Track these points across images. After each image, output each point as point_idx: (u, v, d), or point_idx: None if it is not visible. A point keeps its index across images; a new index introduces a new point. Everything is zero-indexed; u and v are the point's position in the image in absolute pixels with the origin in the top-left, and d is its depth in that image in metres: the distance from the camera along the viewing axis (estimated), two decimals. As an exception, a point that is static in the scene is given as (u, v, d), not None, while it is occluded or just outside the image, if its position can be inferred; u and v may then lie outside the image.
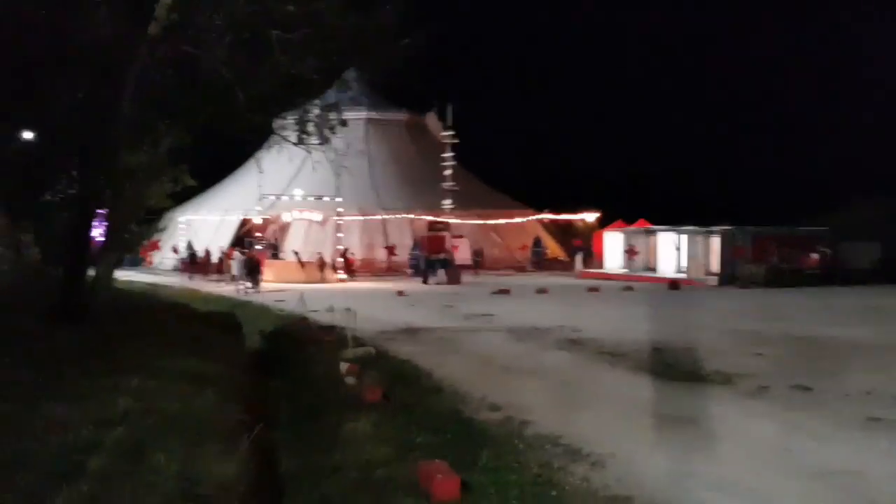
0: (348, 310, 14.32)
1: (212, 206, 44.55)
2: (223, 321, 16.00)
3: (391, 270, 39.84)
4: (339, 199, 36.50)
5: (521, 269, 41.16)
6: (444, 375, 11.19)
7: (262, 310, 21.11)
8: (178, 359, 9.32)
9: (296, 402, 10.18)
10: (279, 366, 13.38)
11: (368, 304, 23.07)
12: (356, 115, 49.31)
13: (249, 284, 28.17)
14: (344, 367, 11.15)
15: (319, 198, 37.02)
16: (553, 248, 44.78)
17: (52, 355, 8.03)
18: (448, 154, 35.70)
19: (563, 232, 44.69)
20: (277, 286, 30.67)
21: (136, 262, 41.22)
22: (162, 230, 37.20)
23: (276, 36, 11.23)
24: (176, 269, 40.07)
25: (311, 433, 8.37)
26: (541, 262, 42.04)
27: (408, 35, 13.54)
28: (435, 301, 24.00)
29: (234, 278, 29.59)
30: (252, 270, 28.73)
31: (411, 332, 16.49)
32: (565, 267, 40.70)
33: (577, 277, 35.63)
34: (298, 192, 37.59)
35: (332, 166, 37.51)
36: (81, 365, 7.78)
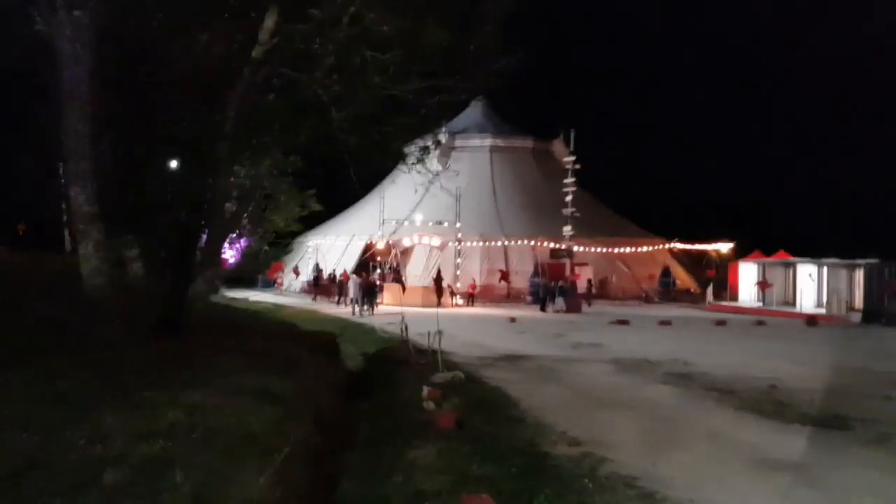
0: (439, 332, 14.02)
1: (340, 231, 45.87)
2: (324, 342, 16.10)
3: (511, 297, 39.37)
4: (458, 225, 36.53)
5: (647, 299, 39.51)
6: (531, 405, 10.63)
7: (370, 332, 21.18)
8: (257, 376, 9.27)
9: (371, 426, 9.92)
10: (369, 388, 13.23)
11: (476, 330, 22.82)
12: (481, 143, 49.73)
13: (366, 307, 28.54)
14: (426, 391, 10.83)
15: (439, 223, 37.23)
16: (683, 278, 42.78)
17: (126, 366, 8.17)
18: (570, 180, 34.91)
19: (695, 262, 42.67)
20: (394, 309, 30.98)
21: (269, 284, 43.06)
22: (287, 253, 38.85)
23: (371, 57, 11.22)
24: (303, 291, 41.54)
25: (374, 459, 8.05)
26: (669, 292, 40.20)
27: (508, 55, 13.20)
28: (546, 329, 23.32)
29: (352, 301, 30.08)
30: (368, 293, 29.11)
31: (512, 359, 15.98)
32: (696, 299, 38.71)
33: (707, 310, 33.73)
34: (418, 218, 38.00)
35: (452, 192, 38.03)
36: (151, 376, 7.85)
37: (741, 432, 9.06)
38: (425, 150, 18.90)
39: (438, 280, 34.92)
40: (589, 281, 37.80)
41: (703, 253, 40.70)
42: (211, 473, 5.16)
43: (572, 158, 35.33)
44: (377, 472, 7.49)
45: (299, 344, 13.96)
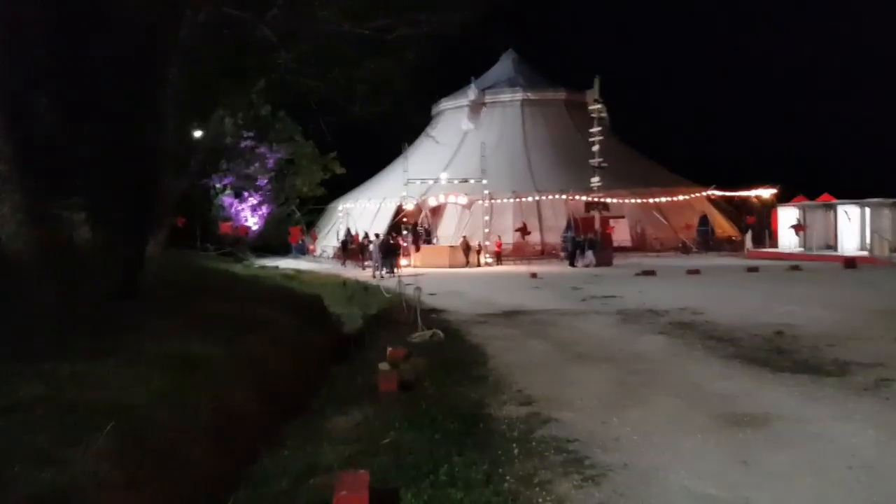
0: (418, 289, 13.25)
1: (371, 194, 45.23)
2: (314, 305, 15.46)
3: (545, 254, 38.31)
4: (484, 182, 35.47)
5: (685, 249, 37.93)
6: (502, 363, 9.81)
7: (378, 294, 20.47)
8: (193, 342, 8.62)
9: (328, 392, 9.23)
10: (351, 351, 12.56)
11: (491, 287, 21.98)
12: (511, 97, 48.28)
13: (385, 269, 27.90)
14: (389, 352, 10.10)
15: (465, 181, 36.23)
16: (723, 226, 41.00)
17: (33, 336, 7.59)
18: (596, 128, 33.41)
19: (736, 210, 40.81)
20: (420, 271, 30.33)
21: (303, 251, 42.77)
22: (299, 218, 38.31)
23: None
24: (336, 257, 41.10)
25: (301, 428, 7.35)
26: (708, 242, 38.51)
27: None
28: (565, 283, 22.31)
29: (374, 264, 29.48)
30: (387, 255, 28.45)
31: (511, 314, 15.13)
32: (736, 247, 37.00)
33: (746, 258, 32.12)
34: (444, 176, 37.06)
35: (477, 147, 36.94)
36: (55, 347, 7.24)
37: (720, 384, 8.06)
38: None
39: (466, 240, 34.08)
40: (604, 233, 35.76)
41: (744, 199, 38.81)
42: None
43: (598, 106, 33.77)
44: (295, 443, 6.79)
45: (283, 309, 13.28)
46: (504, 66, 52.10)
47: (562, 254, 35.89)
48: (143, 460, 5.47)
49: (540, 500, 4.95)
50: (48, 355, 6.94)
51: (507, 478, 5.35)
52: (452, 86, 50.45)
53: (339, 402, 8.02)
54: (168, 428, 6.15)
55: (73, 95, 10.65)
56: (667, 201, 39.72)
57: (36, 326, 8.11)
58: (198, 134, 30.17)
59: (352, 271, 32.07)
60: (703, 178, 41.73)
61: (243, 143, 32.82)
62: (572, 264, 31.58)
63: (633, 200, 39.45)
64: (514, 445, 6.09)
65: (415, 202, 38.54)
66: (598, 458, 5.70)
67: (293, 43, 10.80)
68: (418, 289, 13.34)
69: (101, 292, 10.29)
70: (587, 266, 30.60)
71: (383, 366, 9.35)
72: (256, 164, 33.83)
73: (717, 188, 39.91)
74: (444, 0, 11.92)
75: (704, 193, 40.31)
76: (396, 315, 14.93)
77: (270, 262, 35.76)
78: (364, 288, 23.01)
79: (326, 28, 10.92)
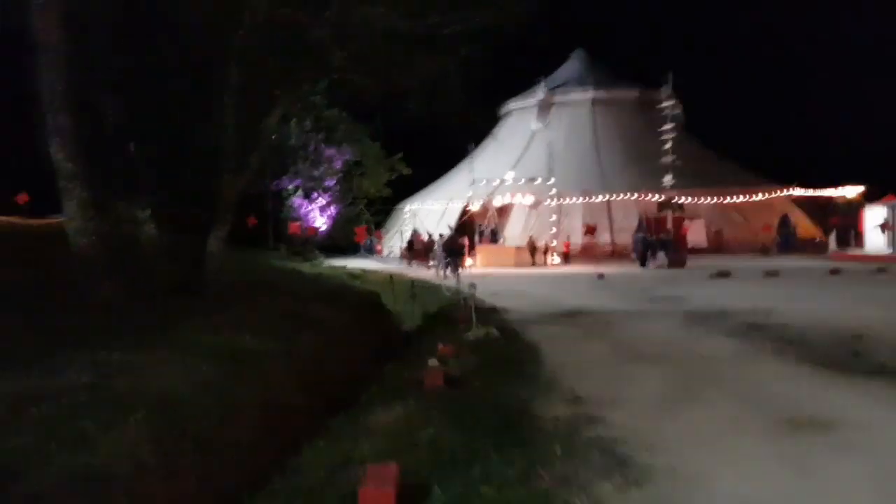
0: (473, 286, 13.07)
1: (438, 195, 45.28)
2: (373, 303, 15.49)
3: (616, 255, 37.57)
4: (551, 181, 35.01)
5: (765, 251, 36.52)
6: (557, 362, 9.52)
7: (439, 293, 20.36)
8: (244, 336, 8.69)
9: (378, 387, 9.16)
10: (406, 349, 12.51)
11: (556, 288, 21.62)
12: (582, 96, 47.58)
13: (449, 269, 27.80)
14: (440, 349, 9.97)
15: (531, 181, 35.83)
16: (805, 227, 39.33)
17: (88, 328, 7.75)
18: (668, 126, 32.49)
19: (820, 210, 39.11)
20: (485, 271, 30.15)
21: (370, 251, 43.15)
22: (368, 218, 38.57)
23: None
24: (403, 258, 41.29)
25: (345, 422, 7.28)
26: (789, 243, 36.99)
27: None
28: (633, 284, 21.76)
29: (439, 264, 29.42)
30: (451, 255, 28.34)
31: (573, 314, 14.77)
32: (820, 249, 35.42)
33: (829, 260, 30.69)
34: (510, 176, 36.75)
35: (545, 147, 36.52)
36: (109, 338, 7.37)
37: (786, 387, 7.60)
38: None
39: (532, 240, 33.72)
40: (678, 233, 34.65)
41: (829, 199, 37.16)
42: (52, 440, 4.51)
43: (670, 103, 32.86)
44: (335, 436, 6.73)
45: (339, 306, 13.32)
46: (573, 65, 51.43)
47: (632, 255, 35.07)
48: (182, 447, 5.48)
49: (577, 501, 4.71)
50: (103, 345, 7.06)
51: (545, 478, 5.13)
52: (522, 86, 50.15)
53: (385, 398, 7.91)
54: (211, 417, 6.17)
55: (137, 96, 10.95)
56: (745, 201, 38.40)
57: (95, 318, 8.32)
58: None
59: (417, 271, 32.13)
60: (785, 177, 40.23)
61: (311, 145, 33.31)
62: (643, 265, 30.83)
63: (708, 200, 38.30)
64: (557, 445, 5.85)
65: (481, 202, 38.36)
66: (643, 461, 5.40)
67: (346, 42, 10.79)
68: (473, 286, 13.11)
69: (164, 287, 10.53)
70: (659, 267, 29.81)
71: (432, 362, 9.20)
72: (324, 166, 34.28)
73: (800, 187, 38.36)
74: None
75: (786, 193, 38.80)
76: (454, 314, 14.77)
77: (338, 262, 36.22)
78: (426, 287, 22.99)
79: (379, 26, 10.87)
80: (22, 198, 27.62)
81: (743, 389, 7.60)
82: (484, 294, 19.20)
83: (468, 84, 13.35)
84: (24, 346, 6.55)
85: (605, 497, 4.77)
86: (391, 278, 26.56)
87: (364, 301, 14.81)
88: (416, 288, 23.04)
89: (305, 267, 26.68)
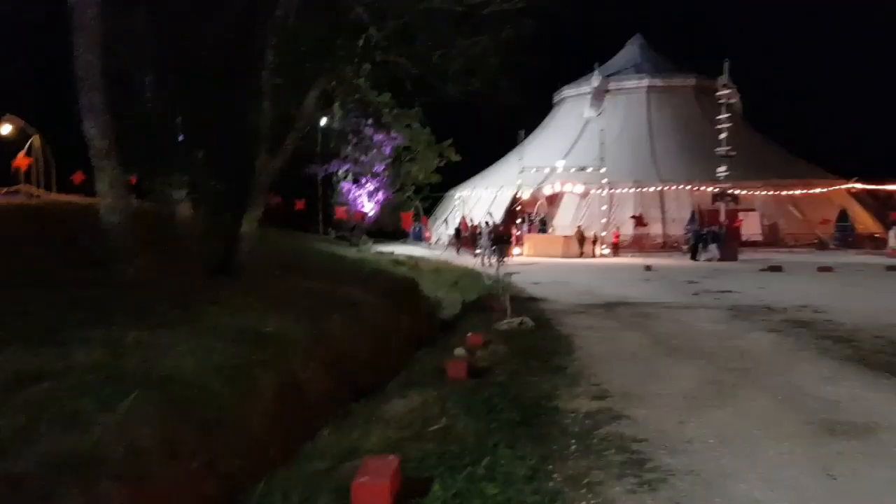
0: (508, 275, 12.83)
1: (488, 182, 44.95)
2: (411, 288, 15.37)
3: (667, 246, 36.76)
4: (602, 171, 34.38)
5: (822, 246, 35.27)
6: (588, 354, 9.25)
7: (481, 280, 20.15)
8: (272, 318, 8.62)
9: (406, 374, 9.02)
10: (442, 336, 12.34)
11: (600, 278, 21.20)
12: (637, 84, 46.58)
13: (494, 257, 27.52)
14: (469, 337, 9.78)
15: (582, 169, 35.25)
16: (865, 222, 37.84)
17: (116, 305, 7.77)
18: (724, 115, 31.53)
19: (882, 204, 37.60)
20: (532, 260, 29.82)
21: (419, 238, 43.10)
22: (416, 205, 38.45)
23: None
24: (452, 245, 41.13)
25: (364, 410, 7.16)
26: (847, 238, 35.63)
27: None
28: (680, 277, 21.20)
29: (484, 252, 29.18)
30: (497, 243, 28.07)
31: (613, 306, 14.41)
32: (879, 244, 34.03)
33: (889, 256, 29.46)
34: (560, 164, 36.22)
35: (597, 135, 35.86)
36: (132, 316, 7.37)
37: (825, 387, 7.19)
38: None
39: (580, 230, 33.20)
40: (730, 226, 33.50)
41: (889, 194, 35.67)
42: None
43: (727, 92, 31.86)
44: (353, 424, 6.60)
45: (376, 291, 13.20)
46: (630, 52, 50.39)
47: (684, 247, 34.26)
48: (184, 429, 5.41)
49: (584, 502, 4.47)
50: (123, 323, 7.06)
51: (555, 475, 4.90)
52: (579, 73, 49.37)
53: (407, 386, 7.76)
54: (221, 400, 6.09)
55: (175, 74, 10.99)
56: (802, 194, 37.15)
57: (121, 296, 8.36)
58: (323, 121, 30.55)
59: (464, 258, 31.96)
60: (845, 170, 38.80)
61: (361, 129, 33.33)
62: (694, 258, 30.09)
63: (764, 192, 37.17)
64: (573, 441, 5.61)
65: (530, 191, 37.94)
66: (662, 461, 5.13)
67: (385, 21, 10.61)
68: (509, 274, 12.88)
69: (197, 267, 10.58)
70: (710, 260, 29.07)
71: (458, 351, 9.03)
72: (374, 151, 34.29)
73: (860, 181, 36.93)
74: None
75: (845, 186, 37.40)
76: (492, 302, 14.55)
77: (386, 248, 36.27)
78: (470, 275, 22.82)
79: (418, 5, 10.66)
80: (78, 177, 28.18)
81: (779, 388, 7.22)
82: (526, 283, 18.99)
83: (512, 66, 13.04)
84: (42, 323, 6.57)
85: (615, 499, 4.52)
86: (435, 265, 26.49)
87: (401, 286, 14.66)
88: (459, 275, 22.97)
89: (351, 252, 26.76)
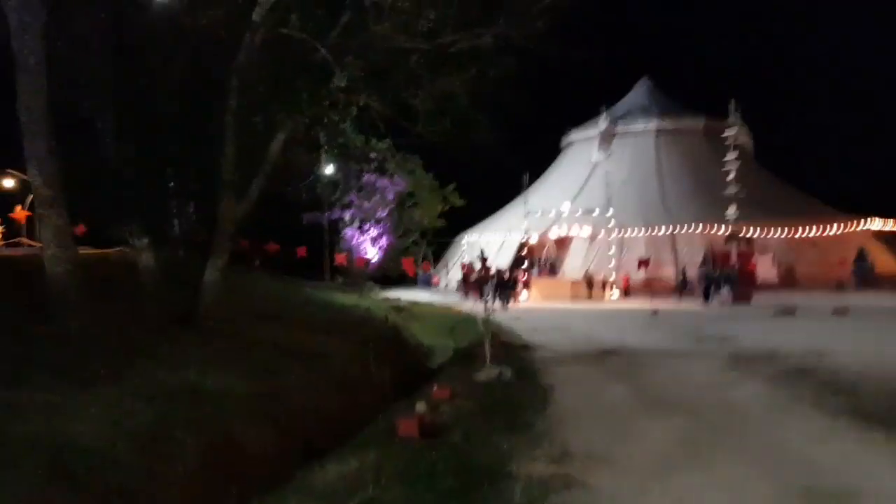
0: (486, 323, 12.19)
1: (496, 226, 44.43)
2: (394, 336, 14.76)
3: (679, 290, 35.83)
4: (608, 214, 33.78)
5: (841, 287, 34.14)
6: (565, 409, 8.57)
7: (476, 327, 19.45)
8: (214, 373, 8.06)
9: (366, 431, 8.37)
10: (418, 385, 11.68)
11: (601, 324, 20.46)
12: (645, 127, 46.20)
13: (497, 302, 26.84)
14: (434, 391, 9.15)
15: (590, 213, 34.67)
16: (886, 262, 36.75)
17: (40, 360, 7.24)
18: (732, 155, 30.90)
19: (903, 244, 36.61)
20: (539, 305, 29.12)
21: (428, 283, 42.50)
22: (424, 250, 37.99)
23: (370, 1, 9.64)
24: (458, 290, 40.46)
25: (303, 476, 6.50)
26: (866, 279, 34.52)
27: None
28: (686, 322, 20.38)
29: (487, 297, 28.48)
30: (501, 288, 27.41)
31: (605, 354, 13.67)
32: (902, 285, 32.88)
33: (910, 297, 28.35)
34: (566, 207, 35.69)
35: (604, 178, 35.36)
36: (46, 375, 6.81)
37: (812, 447, 6.45)
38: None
39: (588, 273, 32.49)
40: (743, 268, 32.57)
41: (911, 232, 34.69)
42: None
43: (733, 131, 31.30)
44: (280, 493, 5.96)
45: (352, 340, 12.62)
46: (638, 94, 50.15)
47: (695, 291, 33.35)
48: (72, 501, 4.82)
49: None
50: (40, 382, 6.53)
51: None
52: (586, 116, 49.14)
53: (353, 447, 7.11)
54: (128, 469, 5.50)
55: (134, 119, 10.62)
56: (818, 234, 36.21)
57: (57, 351, 7.83)
58: (328, 170, 30.19)
59: (472, 304, 31.26)
60: (863, 209, 37.87)
61: (362, 176, 33.12)
62: (706, 301, 29.20)
63: (779, 233, 36.29)
64: (514, 516, 4.94)
65: (537, 234, 37.36)
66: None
67: (349, 63, 10.21)
68: (486, 322, 12.25)
69: (161, 316, 10.06)
70: (723, 304, 28.16)
71: (420, 406, 8.36)
72: (377, 197, 34.00)
73: (879, 218, 35.98)
74: (515, 11, 10.93)
75: (863, 226, 36.44)
76: (479, 350, 13.89)
77: (393, 294, 35.67)
78: (469, 321, 22.13)
79: (383, 45, 10.28)
80: (79, 229, 28.14)
81: (762, 448, 6.49)
82: (524, 329, 18.34)
83: (492, 105, 12.57)
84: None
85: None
86: (436, 311, 25.88)
87: (382, 335, 14.05)
88: (458, 321, 22.29)
89: (351, 299, 26.20)
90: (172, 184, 10.90)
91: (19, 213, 26.57)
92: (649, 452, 6.50)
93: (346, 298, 25.62)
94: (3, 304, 9.42)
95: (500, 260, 40.01)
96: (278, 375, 8.95)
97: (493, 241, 42.46)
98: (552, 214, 36.62)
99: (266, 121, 10.61)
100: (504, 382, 10.40)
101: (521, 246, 39.25)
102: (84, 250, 13.24)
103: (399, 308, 25.21)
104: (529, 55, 12.26)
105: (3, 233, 26.50)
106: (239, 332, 10.79)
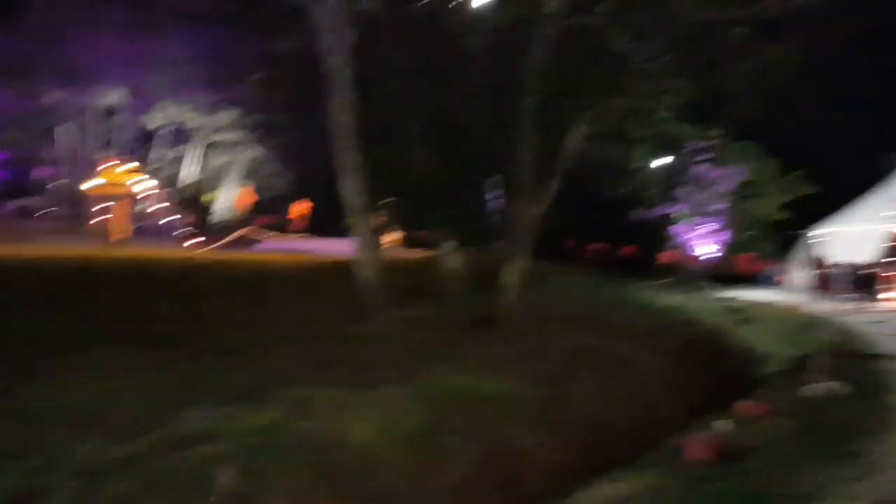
0: (831, 322, 10.44)
1: (857, 217, 38.85)
2: (711, 341, 13.49)
3: None
4: None
5: None
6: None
7: (820, 332, 17.03)
8: (502, 377, 7.94)
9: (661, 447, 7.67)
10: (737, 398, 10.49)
11: None
12: None
13: (855, 303, 23.40)
14: (744, 406, 8.05)
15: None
16: None
17: (343, 359, 7.75)
18: None
19: None
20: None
21: (771, 281, 38.78)
22: (758, 245, 34.13)
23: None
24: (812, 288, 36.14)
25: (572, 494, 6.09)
26: None
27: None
28: None
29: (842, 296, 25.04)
30: (860, 286, 23.81)
31: None
32: None
33: None
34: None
35: None
36: (353, 371, 7.27)
37: None
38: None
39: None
40: None
41: None
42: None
43: None
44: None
45: (658, 346, 11.72)
46: None
47: None
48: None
49: None
50: (331, 380, 6.98)
51: None
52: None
53: (633, 466, 6.49)
54: (391, 471, 5.59)
55: (436, 127, 11.08)
56: None
57: (355, 350, 8.39)
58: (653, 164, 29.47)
59: (825, 305, 27.79)
60: None
61: (691, 167, 31.25)
62: None
63: None
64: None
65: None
66: None
67: (651, 43, 9.47)
68: (831, 324, 10.54)
69: (464, 318, 10.36)
70: None
71: (719, 424, 7.39)
72: (710, 189, 31.80)
73: None
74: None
75: None
76: (818, 359, 12.13)
77: (731, 293, 33.10)
78: (813, 324, 19.60)
79: (688, 20, 9.34)
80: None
81: None
82: (882, 335, 15.68)
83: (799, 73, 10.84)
84: (254, 380, 6.70)
85: None
86: (781, 313, 23.38)
87: (697, 342, 12.90)
88: (804, 325, 19.87)
89: (677, 299, 24.72)
90: (475, 189, 11.15)
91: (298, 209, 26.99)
92: None
93: (670, 299, 24.27)
94: (328, 308, 10.43)
95: (861, 255, 34.95)
96: (570, 382, 8.57)
97: (852, 234, 37.29)
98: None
99: (563, 116, 10.32)
100: (837, 398, 8.85)
101: (891, 237, 33.83)
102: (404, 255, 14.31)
103: (734, 310, 23.21)
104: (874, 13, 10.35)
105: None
106: (538, 335, 10.62)
